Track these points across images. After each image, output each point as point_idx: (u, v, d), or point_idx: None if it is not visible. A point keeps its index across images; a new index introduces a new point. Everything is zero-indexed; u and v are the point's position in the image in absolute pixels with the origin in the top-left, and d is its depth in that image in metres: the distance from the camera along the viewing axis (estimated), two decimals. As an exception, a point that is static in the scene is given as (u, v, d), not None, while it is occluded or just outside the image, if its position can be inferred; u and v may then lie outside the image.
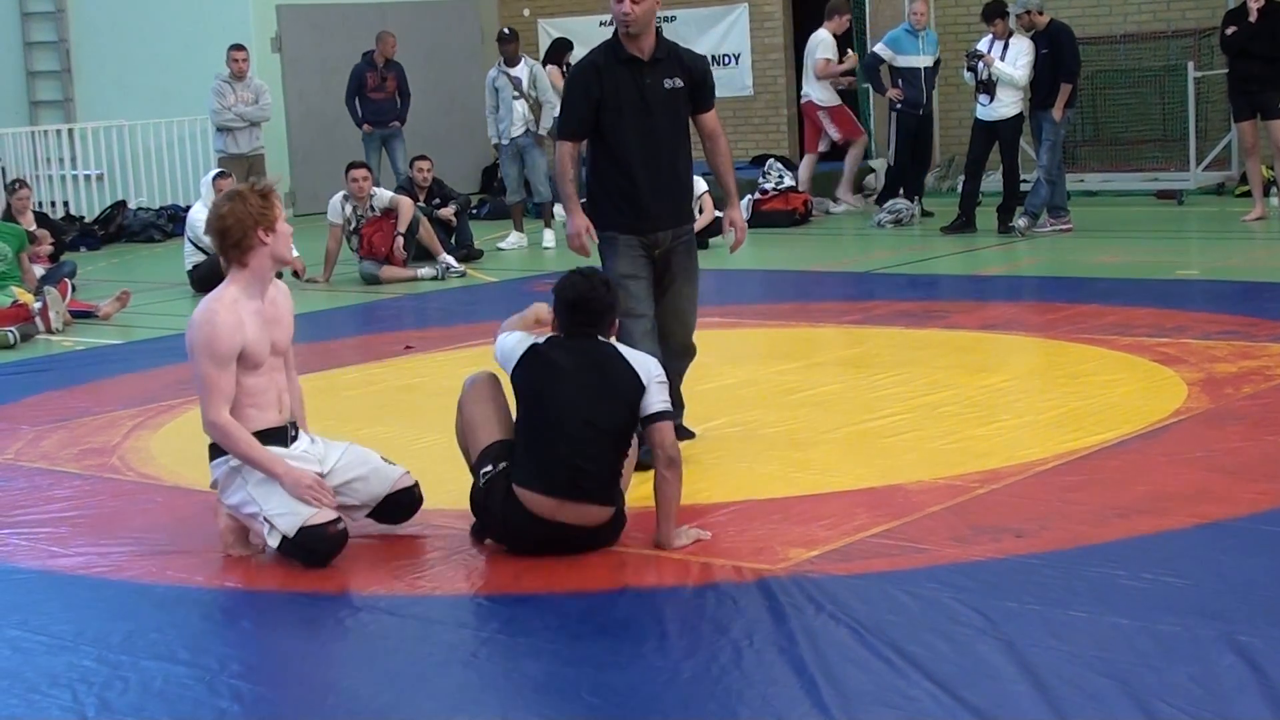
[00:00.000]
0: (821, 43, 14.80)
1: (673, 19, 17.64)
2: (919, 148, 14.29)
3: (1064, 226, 12.91)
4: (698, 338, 6.66)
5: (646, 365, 5.18)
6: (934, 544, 4.99)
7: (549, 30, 18.50)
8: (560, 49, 15.59)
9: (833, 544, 5.02)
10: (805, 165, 15.29)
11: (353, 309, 11.23)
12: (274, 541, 5.17)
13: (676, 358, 6.33)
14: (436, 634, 4.49)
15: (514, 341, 5.30)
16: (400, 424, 7.15)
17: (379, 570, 5.06)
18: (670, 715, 3.87)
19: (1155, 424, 6.38)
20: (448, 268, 12.25)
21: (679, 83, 6.25)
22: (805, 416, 6.89)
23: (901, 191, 14.17)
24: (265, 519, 5.18)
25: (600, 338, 5.23)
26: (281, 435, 5.27)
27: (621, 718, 3.85)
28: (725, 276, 12.04)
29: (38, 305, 10.46)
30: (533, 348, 5.21)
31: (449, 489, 5.96)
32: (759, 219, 14.63)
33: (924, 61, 13.96)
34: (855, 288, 10.88)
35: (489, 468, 5.17)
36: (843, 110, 15.05)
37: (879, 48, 14.18)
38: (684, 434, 6.56)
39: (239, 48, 14.63)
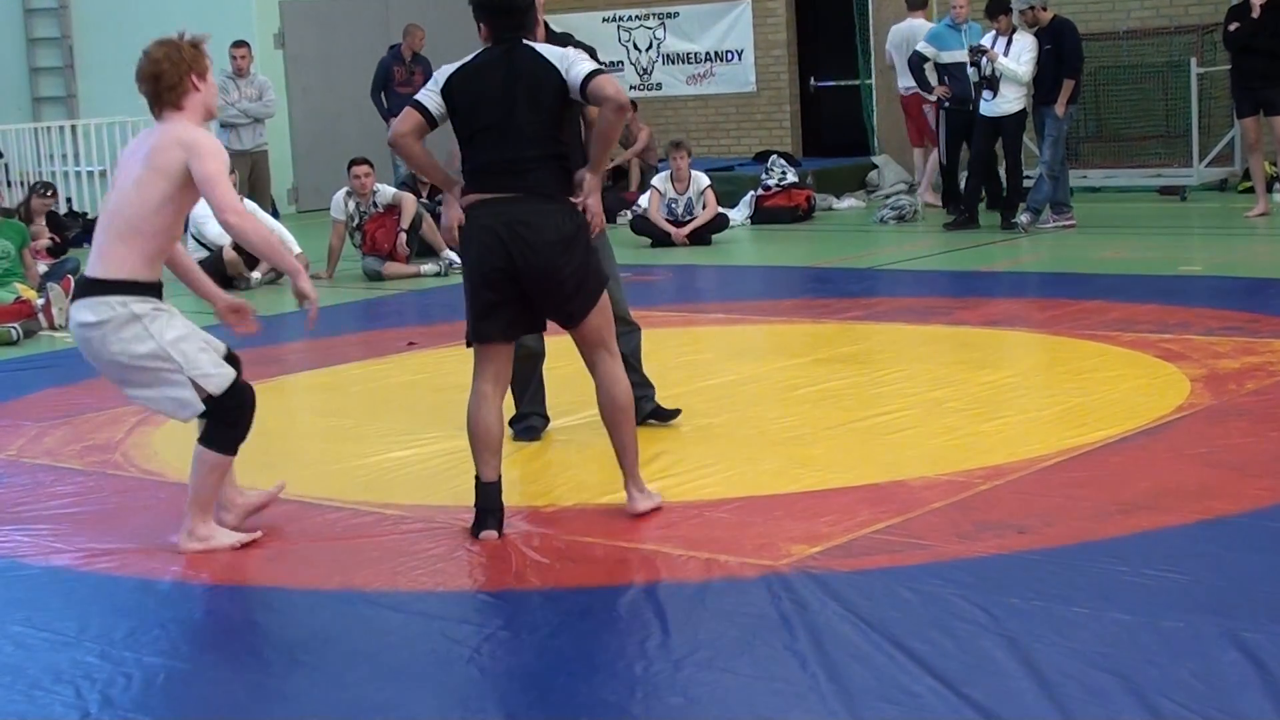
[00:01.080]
0: (923, 31, 14.30)
1: (676, 15, 17.65)
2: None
3: (1067, 223, 12.91)
4: (703, 334, 6.67)
5: (557, 53, 5.41)
6: (937, 540, 5.00)
7: (551, 26, 18.48)
8: (562, 44, 15.57)
9: (836, 540, 5.02)
10: (920, 157, 14.93)
11: (356, 305, 11.24)
12: (193, 411, 5.17)
13: (627, 331, 6.36)
14: (438, 630, 4.49)
15: (440, 72, 5.46)
16: (403, 420, 7.16)
17: (381, 566, 5.06)
18: (674, 712, 3.86)
19: (1158, 420, 6.38)
20: (450, 264, 12.24)
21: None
22: (808, 413, 6.90)
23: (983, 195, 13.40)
24: (191, 379, 5.15)
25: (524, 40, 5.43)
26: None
27: (624, 714, 3.85)
28: (728, 272, 12.06)
29: (41, 302, 10.48)
30: (460, 68, 5.39)
31: (451, 485, 5.98)
32: (762, 215, 14.65)
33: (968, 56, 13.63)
34: (858, 284, 10.88)
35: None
36: (912, 105, 14.60)
37: (922, 45, 13.86)
38: (666, 414, 6.59)
39: (241, 44, 14.64)
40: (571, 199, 5.39)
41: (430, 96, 5.40)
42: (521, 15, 5.46)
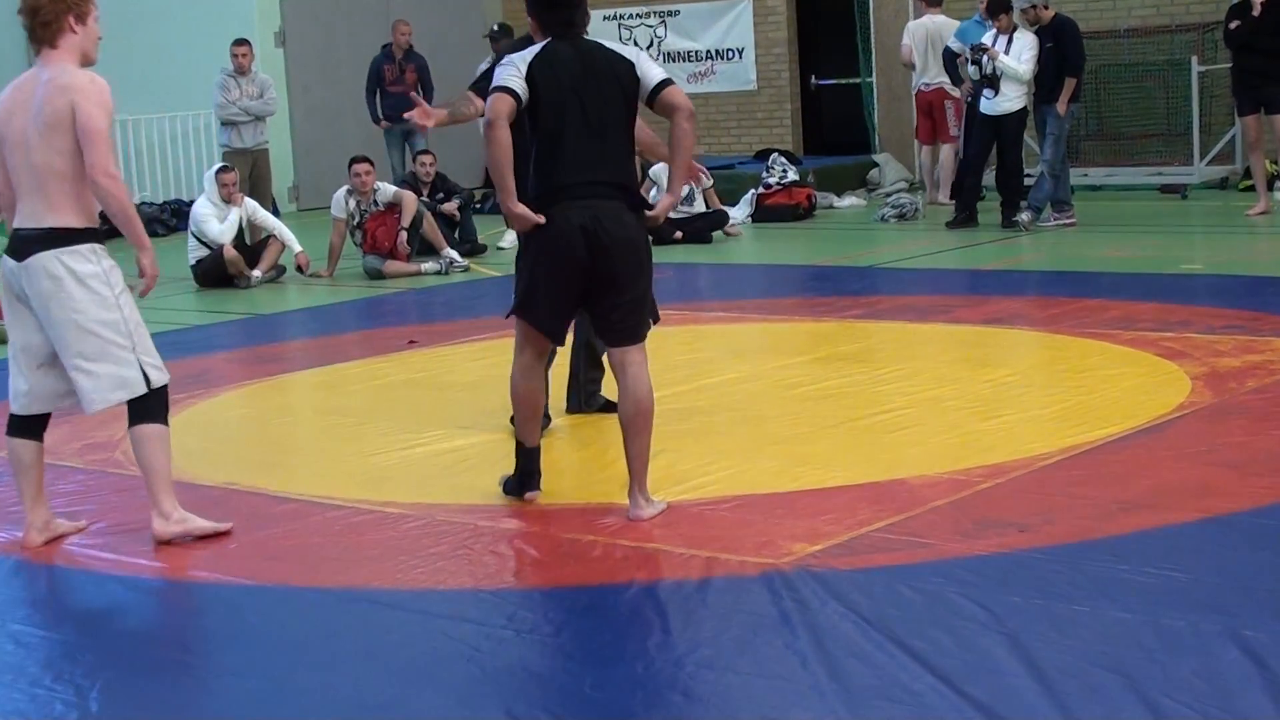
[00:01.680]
0: (946, 25, 14.27)
1: (676, 13, 17.65)
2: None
3: (1068, 221, 12.90)
4: (703, 332, 6.68)
5: (628, 50, 5.48)
6: (938, 538, 4.99)
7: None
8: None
9: (836, 538, 5.02)
10: (928, 155, 14.85)
11: (356, 303, 11.24)
12: (131, 393, 5.19)
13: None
14: (439, 629, 4.49)
15: (518, 55, 5.41)
16: (403, 418, 7.15)
17: (381, 565, 5.06)
18: (675, 710, 3.87)
19: (1159, 418, 6.38)
20: (451, 262, 12.26)
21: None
22: (808, 411, 6.89)
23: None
24: (142, 364, 5.21)
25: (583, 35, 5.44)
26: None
27: (625, 712, 3.85)
28: (728, 271, 12.06)
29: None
30: (538, 55, 5.33)
31: (451, 483, 5.99)
32: (763, 213, 14.65)
33: None
34: (859, 282, 10.88)
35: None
36: (959, 104, 14.26)
37: (951, 41, 13.89)
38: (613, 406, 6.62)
39: (242, 43, 14.63)
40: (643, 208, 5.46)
41: (516, 80, 5.29)
42: (574, 9, 5.46)
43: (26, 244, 5.20)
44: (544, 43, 5.40)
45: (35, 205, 5.20)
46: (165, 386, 5.34)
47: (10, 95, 5.33)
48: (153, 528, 5.35)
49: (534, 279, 5.39)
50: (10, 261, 5.27)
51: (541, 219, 5.30)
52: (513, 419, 5.83)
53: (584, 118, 5.32)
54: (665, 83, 5.39)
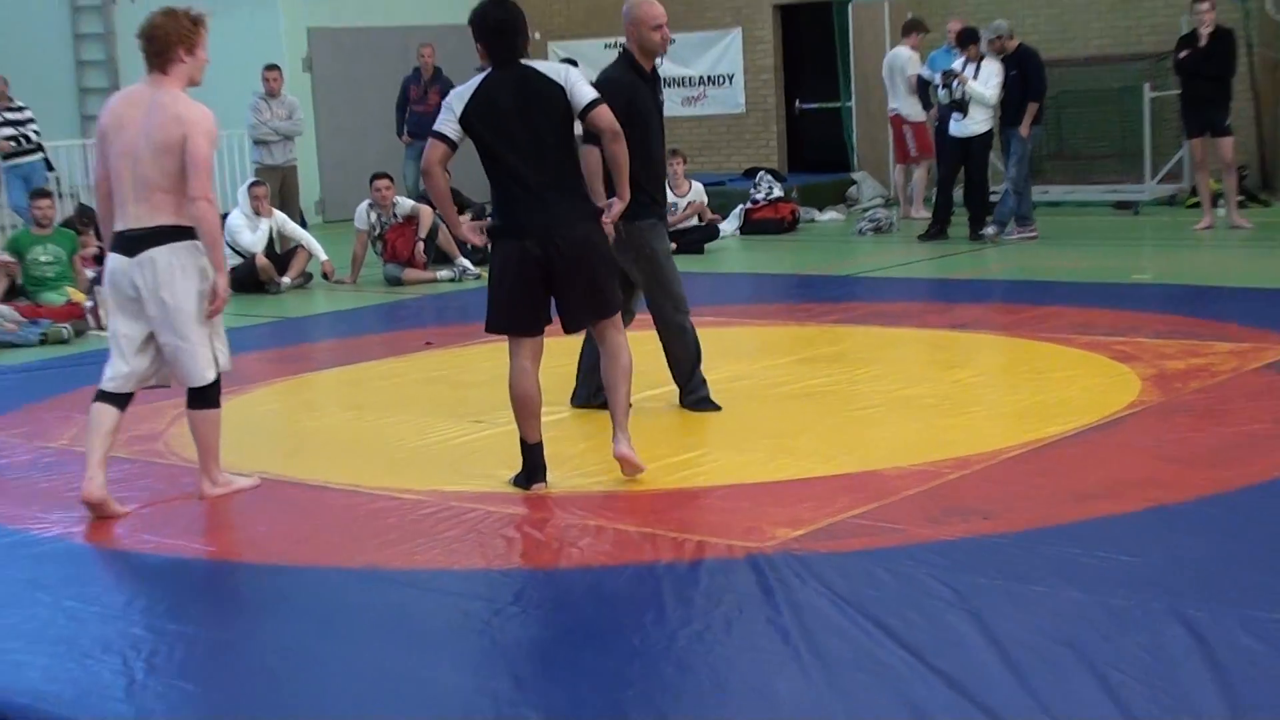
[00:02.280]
0: (909, 59, 14.32)
1: (672, 41, 17.60)
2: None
3: (1030, 234, 12.92)
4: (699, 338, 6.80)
5: (557, 69, 5.58)
6: (909, 524, 5.01)
7: (558, 52, 18.49)
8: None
9: (816, 524, 5.03)
10: (901, 174, 14.99)
11: (377, 308, 11.25)
12: (203, 378, 5.51)
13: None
14: (454, 605, 4.50)
15: (455, 93, 5.59)
16: (421, 413, 7.17)
17: (400, 547, 5.08)
18: (666, 679, 3.88)
19: (1111, 416, 6.39)
20: (464, 270, 12.27)
21: (661, 96, 6.65)
22: (792, 407, 6.90)
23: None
24: (215, 346, 5.52)
25: (521, 60, 5.53)
26: None
27: (623, 682, 3.87)
28: (719, 279, 12.06)
29: (89, 304, 10.49)
30: (474, 94, 5.49)
31: (464, 472, 6.00)
32: (750, 226, 14.66)
33: None
34: (838, 290, 10.89)
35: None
36: (923, 127, 14.31)
37: (922, 69, 13.92)
38: (711, 406, 6.82)
39: (273, 68, 14.64)
40: (599, 211, 5.67)
41: (449, 124, 5.50)
42: (514, 37, 5.56)
43: (136, 242, 5.44)
44: (483, 76, 5.57)
45: (141, 210, 5.44)
46: (219, 376, 5.63)
47: (121, 106, 5.57)
48: (201, 489, 5.73)
49: (498, 295, 5.62)
50: (119, 259, 5.50)
51: (481, 238, 5.76)
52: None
53: (525, 141, 5.49)
54: (593, 104, 5.49)
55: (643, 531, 5.09)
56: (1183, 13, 13.73)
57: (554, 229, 5.48)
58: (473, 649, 4.18)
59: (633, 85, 6.48)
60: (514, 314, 5.60)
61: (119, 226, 5.49)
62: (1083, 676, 3.67)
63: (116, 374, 5.58)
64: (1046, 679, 3.68)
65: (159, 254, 5.41)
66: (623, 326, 5.84)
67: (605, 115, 5.48)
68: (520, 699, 3.79)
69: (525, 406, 5.64)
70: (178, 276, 5.42)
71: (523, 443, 5.70)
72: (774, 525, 5.04)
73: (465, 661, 4.09)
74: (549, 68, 5.59)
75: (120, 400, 5.62)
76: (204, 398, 5.61)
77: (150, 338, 5.53)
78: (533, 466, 5.70)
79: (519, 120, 5.47)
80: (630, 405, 5.81)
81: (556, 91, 5.47)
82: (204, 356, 5.51)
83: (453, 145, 5.53)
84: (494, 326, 5.70)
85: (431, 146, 5.52)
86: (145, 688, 3.96)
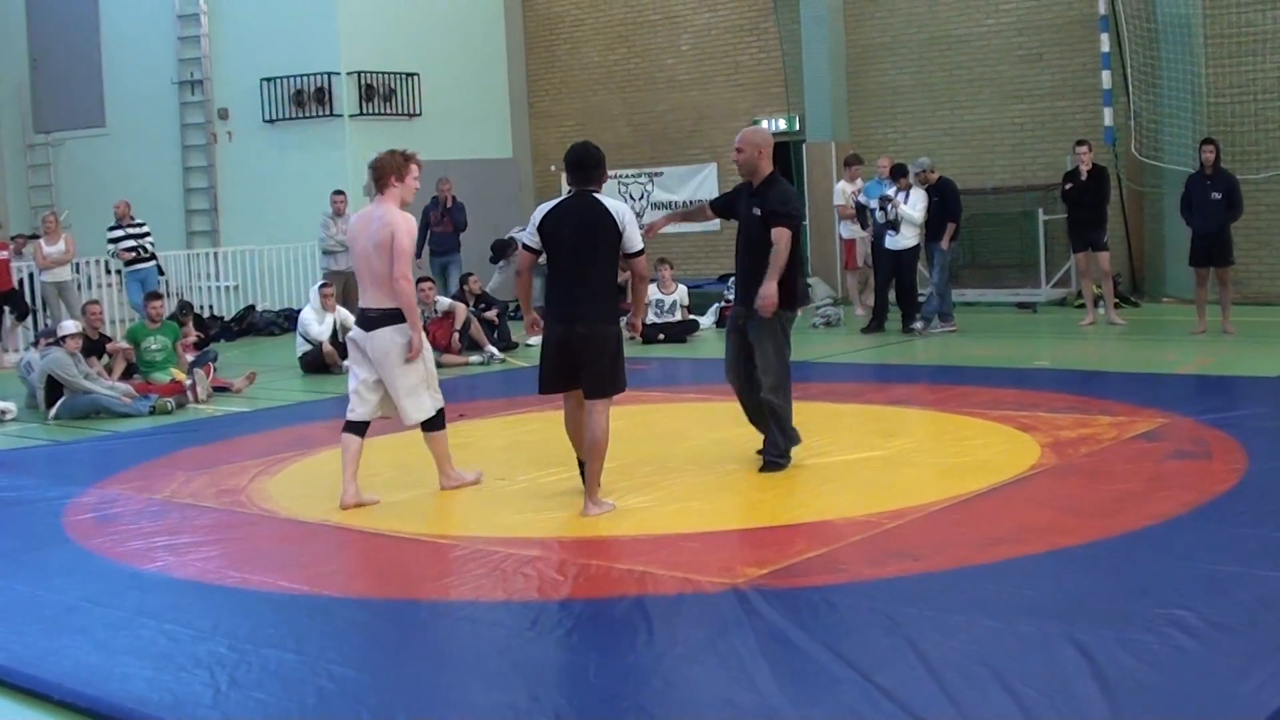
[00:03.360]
0: (838, 191, 14.62)
1: (660, 173, 17.80)
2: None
3: (951, 328, 12.95)
4: (681, 409, 6.72)
5: (620, 209, 5.85)
6: (854, 565, 4.98)
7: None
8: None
9: (779, 564, 5.01)
10: (851, 280, 15.00)
11: (422, 386, 11.23)
12: (423, 415, 6.27)
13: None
14: (480, 631, 4.47)
15: (538, 210, 5.99)
16: (456, 472, 7.13)
17: (436, 583, 5.05)
18: (656, 693, 3.85)
19: (1017, 475, 6.38)
20: (491, 356, 12.27)
21: (757, 210, 6.51)
22: (758, 468, 6.87)
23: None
24: (430, 390, 6.26)
25: (593, 192, 5.84)
26: None
27: (618, 694, 3.83)
28: (699, 363, 12.07)
29: (189, 382, 10.48)
30: (550, 211, 5.89)
31: (491, 522, 5.97)
32: (724, 320, 14.67)
33: None
34: (796, 372, 10.69)
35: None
36: (850, 244, 14.50)
37: (860, 196, 14.09)
38: (795, 439, 6.80)
39: (339, 192, 14.73)
40: (621, 314, 6.04)
41: (530, 236, 5.94)
42: (589, 171, 5.90)
43: (371, 320, 6.22)
44: (559, 199, 5.94)
45: (371, 295, 6.20)
46: (443, 408, 6.40)
47: (358, 222, 6.31)
48: (440, 484, 6.47)
49: (542, 364, 6.01)
50: (359, 330, 6.29)
51: (536, 333, 6.17)
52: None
53: (575, 253, 5.80)
54: (638, 253, 5.90)
55: (636, 569, 5.06)
56: (1067, 153, 13.88)
57: (576, 323, 5.80)
58: (495, 668, 4.14)
59: (736, 193, 6.71)
60: (550, 378, 5.98)
61: (361, 305, 6.28)
62: (995, 689, 3.65)
63: (358, 409, 6.28)
64: (966, 692, 3.65)
65: (383, 331, 6.14)
66: (606, 409, 5.93)
67: (640, 264, 5.96)
68: (536, 710, 3.75)
69: (574, 436, 6.09)
70: (394, 347, 6.13)
71: (579, 459, 6.10)
72: (744, 565, 5.01)
73: (489, 677, 4.04)
74: (612, 204, 5.87)
75: (360, 428, 6.31)
76: (432, 424, 6.37)
77: (379, 381, 6.22)
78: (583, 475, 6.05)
79: (575, 237, 5.80)
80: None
81: (610, 223, 5.79)
82: (413, 404, 6.22)
83: (535, 252, 5.95)
84: (541, 388, 6.05)
85: (520, 255, 6.06)
86: (228, 698, 3.93)
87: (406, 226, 6.05)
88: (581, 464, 6.07)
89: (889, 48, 16.20)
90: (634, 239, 5.86)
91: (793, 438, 6.74)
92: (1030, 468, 6.53)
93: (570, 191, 5.95)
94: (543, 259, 6.04)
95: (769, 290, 6.31)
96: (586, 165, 5.87)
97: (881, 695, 3.65)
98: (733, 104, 17.48)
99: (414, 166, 6.23)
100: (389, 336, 6.14)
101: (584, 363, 5.85)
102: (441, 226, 15.05)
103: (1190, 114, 14.04)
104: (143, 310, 11.80)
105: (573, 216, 5.81)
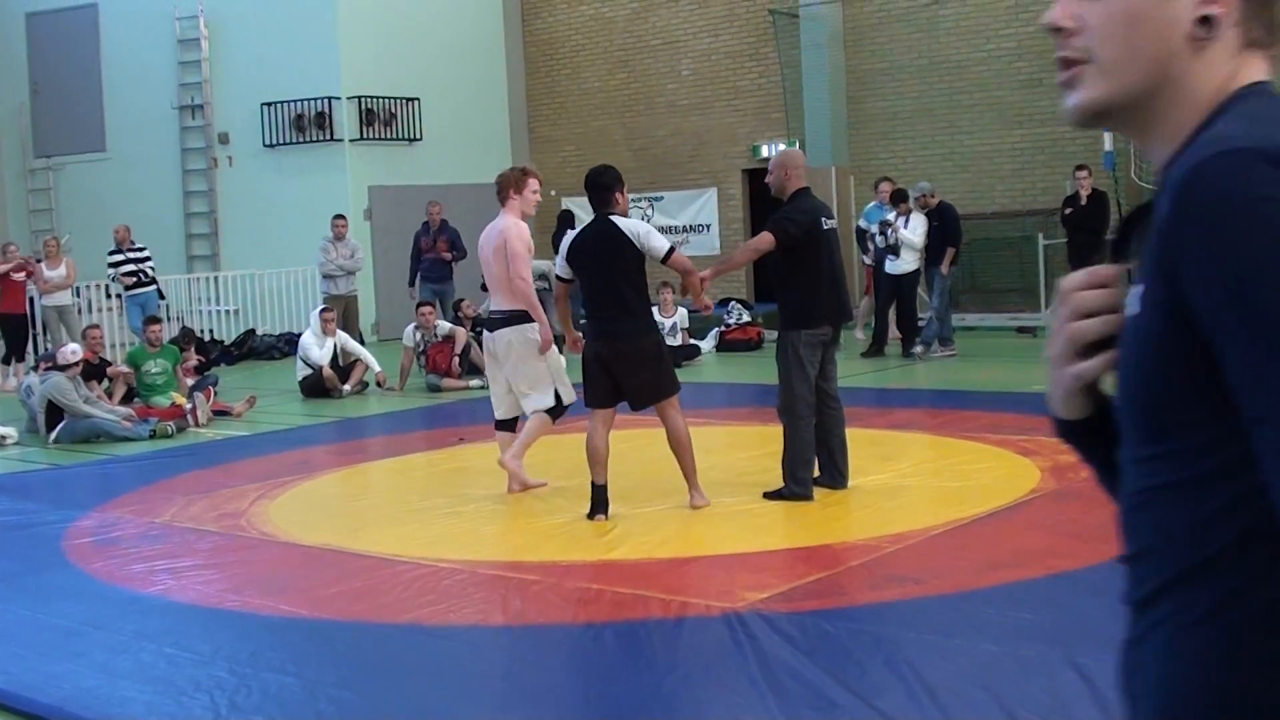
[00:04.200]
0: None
1: (661, 198, 17.87)
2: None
3: (950, 353, 12.97)
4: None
5: (634, 226, 6.16)
6: (854, 589, 4.99)
7: (571, 208, 18.69)
8: (564, 220, 14.94)
9: (778, 588, 5.01)
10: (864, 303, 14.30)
11: (420, 410, 11.25)
12: (545, 406, 6.62)
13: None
14: (480, 654, 4.48)
15: (565, 241, 6.41)
16: (454, 496, 7.15)
17: (437, 606, 5.05)
18: (656, 716, 3.85)
19: (1017, 499, 6.39)
20: (492, 380, 12.27)
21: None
22: (758, 493, 6.86)
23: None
24: (556, 390, 6.65)
25: (612, 215, 6.14)
26: None
27: (618, 715, 3.84)
28: (699, 388, 12.08)
29: (189, 406, 10.50)
30: (572, 241, 6.29)
31: (490, 545, 5.98)
32: (724, 345, 14.70)
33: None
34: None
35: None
36: (868, 270, 14.01)
37: (861, 222, 14.11)
38: (838, 483, 6.69)
39: (340, 217, 14.77)
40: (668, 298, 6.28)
41: (562, 268, 6.40)
42: (599, 193, 6.23)
43: (497, 322, 6.83)
44: (581, 229, 6.34)
45: (496, 299, 6.86)
46: (566, 403, 6.75)
47: (485, 235, 6.87)
48: (502, 461, 6.80)
49: (586, 383, 6.28)
50: (487, 332, 6.96)
51: (579, 339, 6.50)
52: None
53: (599, 276, 6.14)
54: (670, 251, 6.20)
55: (636, 593, 5.07)
56: (1067, 178, 13.95)
57: (617, 341, 6.11)
58: (495, 690, 4.15)
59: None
60: (590, 394, 6.23)
61: (490, 309, 6.93)
62: (996, 713, 3.65)
63: (499, 406, 6.86)
64: (967, 716, 3.65)
65: (507, 331, 6.72)
66: (677, 408, 6.23)
67: (677, 260, 6.27)
68: (536, 732, 3.76)
69: (594, 456, 6.19)
70: (514, 345, 6.66)
71: (592, 484, 6.21)
72: (744, 589, 5.01)
73: (489, 700, 4.05)
74: (626, 223, 6.19)
75: (510, 424, 6.85)
76: (551, 411, 6.77)
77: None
78: (597, 501, 6.20)
79: (595, 261, 6.14)
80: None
81: (627, 242, 6.08)
82: (536, 397, 6.67)
83: (568, 282, 6.35)
84: (587, 401, 6.27)
85: (555, 285, 6.64)
86: (228, 722, 3.93)
87: (517, 232, 6.65)
88: (598, 488, 6.18)
89: (889, 73, 16.29)
90: (656, 247, 6.18)
91: (803, 469, 6.51)
92: (1030, 492, 6.54)
93: (589, 223, 6.27)
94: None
95: (704, 274, 6.43)
96: (598, 187, 6.20)
97: (879, 717, 3.65)
98: (733, 129, 17.57)
99: (532, 180, 6.76)
100: (508, 335, 6.70)
101: (628, 377, 6.15)
102: (433, 252, 14.55)
103: (1190, 139, 14.11)
104: (142, 334, 11.84)
105: (590, 244, 6.15)
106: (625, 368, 6.14)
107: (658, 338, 6.28)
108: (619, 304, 6.14)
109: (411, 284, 14.74)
